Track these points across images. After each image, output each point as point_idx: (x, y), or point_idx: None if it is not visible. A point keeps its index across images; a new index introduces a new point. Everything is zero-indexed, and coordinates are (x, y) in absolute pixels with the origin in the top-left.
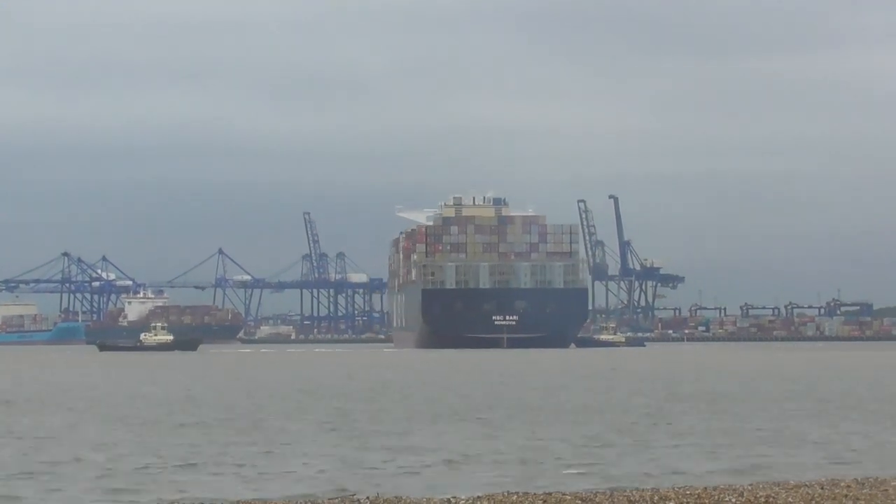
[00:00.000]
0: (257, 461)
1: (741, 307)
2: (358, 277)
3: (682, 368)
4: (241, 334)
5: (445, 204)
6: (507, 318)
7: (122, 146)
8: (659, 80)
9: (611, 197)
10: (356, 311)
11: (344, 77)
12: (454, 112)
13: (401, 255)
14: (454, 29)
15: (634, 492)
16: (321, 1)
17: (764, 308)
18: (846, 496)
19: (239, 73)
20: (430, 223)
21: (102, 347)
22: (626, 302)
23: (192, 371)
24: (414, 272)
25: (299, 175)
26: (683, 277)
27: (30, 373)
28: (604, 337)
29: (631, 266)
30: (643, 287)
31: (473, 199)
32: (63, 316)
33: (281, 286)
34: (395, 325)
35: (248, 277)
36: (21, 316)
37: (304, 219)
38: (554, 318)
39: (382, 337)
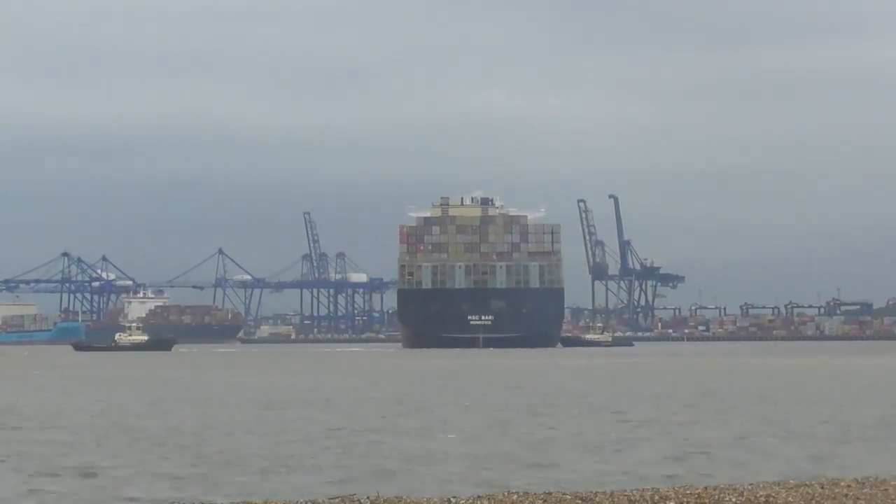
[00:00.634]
0: None
1: (741, 307)
2: (358, 277)
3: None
4: (241, 334)
5: (433, 204)
6: (483, 318)
7: (121, 143)
8: (662, 72)
9: (611, 197)
10: (356, 311)
11: (345, 68)
12: (456, 107)
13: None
14: (455, 21)
15: (635, 491)
16: None
17: (764, 307)
18: (846, 496)
19: (237, 67)
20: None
21: (77, 347)
22: (626, 301)
23: (148, 374)
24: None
25: (300, 175)
26: (683, 277)
27: None
28: (590, 336)
29: (631, 266)
30: (643, 287)
31: (462, 199)
32: (63, 316)
33: (281, 286)
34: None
35: (248, 277)
36: (21, 316)
37: (304, 219)
38: (530, 318)
39: (383, 337)
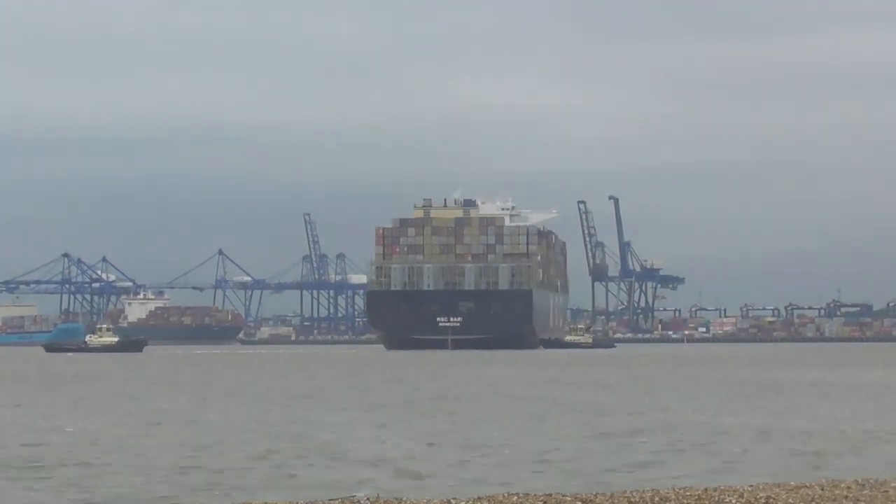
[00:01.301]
0: None
1: (741, 308)
2: (358, 278)
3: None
4: (241, 335)
5: (415, 206)
6: (452, 319)
7: (118, 139)
8: (659, 63)
9: (611, 198)
10: (356, 312)
11: (349, 60)
12: (459, 102)
13: None
14: (456, 11)
15: (634, 492)
16: None
17: (764, 309)
18: (846, 497)
19: (236, 59)
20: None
21: (49, 349)
22: (626, 303)
23: (94, 379)
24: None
25: (300, 175)
26: (684, 278)
27: None
28: (570, 338)
29: (631, 267)
30: (643, 288)
31: (445, 200)
32: (63, 317)
33: (281, 287)
34: None
35: (248, 278)
36: (21, 317)
37: (305, 220)
38: (499, 320)
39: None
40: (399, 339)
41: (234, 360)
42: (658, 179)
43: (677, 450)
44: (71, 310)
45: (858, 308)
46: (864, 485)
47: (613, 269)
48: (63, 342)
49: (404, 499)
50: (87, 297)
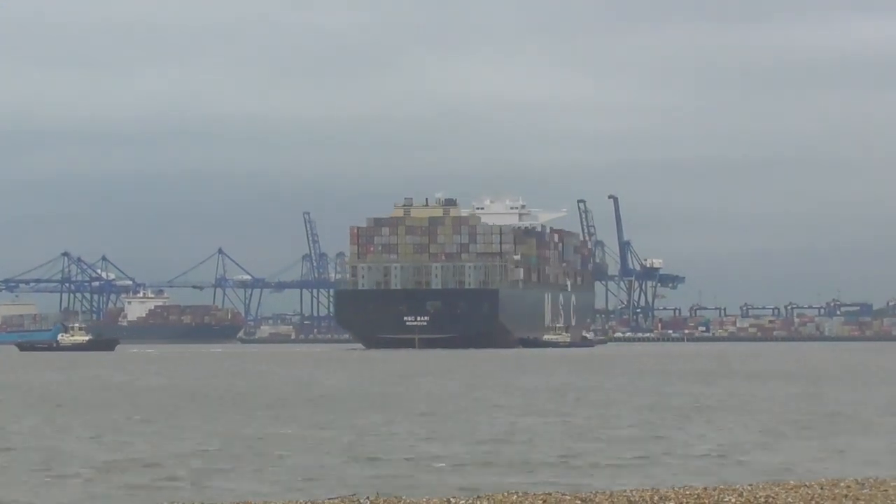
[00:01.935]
0: None
1: (741, 307)
2: None
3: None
4: (240, 334)
5: (395, 205)
6: (419, 319)
7: (116, 133)
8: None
9: (610, 197)
10: None
11: (344, 49)
12: (462, 90)
13: None
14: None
15: (634, 491)
16: None
17: (764, 308)
18: (846, 496)
19: (233, 51)
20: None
21: (22, 348)
22: (626, 302)
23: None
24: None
25: (300, 174)
26: (683, 278)
27: None
28: (548, 337)
29: (631, 266)
30: (643, 287)
31: (427, 199)
32: (63, 316)
33: (281, 286)
34: None
35: (248, 277)
36: (21, 316)
37: (304, 219)
38: (466, 319)
39: None
40: (366, 338)
41: (207, 360)
42: (657, 177)
43: None
44: (71, 308)
45: (858, 307)
46: (863, 484)
47: (613, 268)
48: (35, 341)
49: (404, 498)
50: (87, 295)
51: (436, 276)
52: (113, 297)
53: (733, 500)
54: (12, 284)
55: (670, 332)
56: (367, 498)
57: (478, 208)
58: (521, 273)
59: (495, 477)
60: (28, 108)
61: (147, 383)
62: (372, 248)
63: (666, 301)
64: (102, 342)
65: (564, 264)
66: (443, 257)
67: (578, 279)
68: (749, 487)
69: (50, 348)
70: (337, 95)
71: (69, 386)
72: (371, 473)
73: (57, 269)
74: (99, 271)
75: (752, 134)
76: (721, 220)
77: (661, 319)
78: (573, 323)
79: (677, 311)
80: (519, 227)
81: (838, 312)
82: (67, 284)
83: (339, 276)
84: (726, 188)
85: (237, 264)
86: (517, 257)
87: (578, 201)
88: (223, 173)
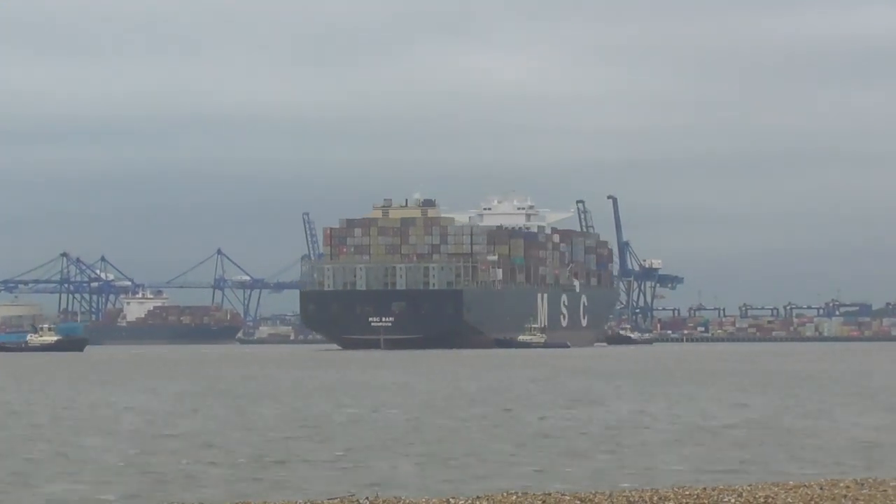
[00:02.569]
0: None
1: (740, 307)
2: None
3: None
4: (239, 335)
5: (374, 206)
6: (384, 319)
7: (114, 127)
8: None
9: (609, 197)
10: None
11: (348, 41)
12: (465, 80)
13: None
14: None
15: (634, 492)
16: None
17: (763, 308)
18: (845, 496)
19: (232, 43)
20: (469, 223)
21: None
22: (625, 303)
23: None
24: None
25: (300, 173)
26: (682, 278)
27: None
28: (522, 338)
29: (630, 266)
30: (642, 288)
31: (406, 200)
32: (62, 316)
33: (280, 287)
34: None
35: (247, 278)
36: (20, 316)
37: (304, 219)
38: (430, 320)
39: None
40: (331, 339)
41: (170, 362)
42: (656, 176)
43: None
44: (70, 309)
45: (857, 308)
46: (862, 484)
47: (613, 268)
48: (2, 342)
49: (404, 498)
50: (86, 296)
51: (401, 276)
52: (112, 297)
53: (732, 501)
54: (11, 285)
55: (669, 332)
56: (367, 498)
57: (485, 208)
58: (499, 273)
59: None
60: (25, 100)
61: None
62: (345, 250)
63: (665, 301)
64: (71, 342)
65: (572, 264)
66: (414, 258)
67: (593, 279)
68: (748, 488)
69: (18, 349)
70: (338, 91)
71: None
72: None
73: (56, 270)
74: (98, 272)
75: (752, 131)
76: (720, 220)
77: (660, 320)
78: (585, 323)
79: (676, 312)
80: (504, 228)
81: (837, 313)
82: (66, 285)
83: (305, 278)
84: (726, 188)
85: (236, 265)
86: (494, 258)
87: (577, 202)
88: (223, 173)
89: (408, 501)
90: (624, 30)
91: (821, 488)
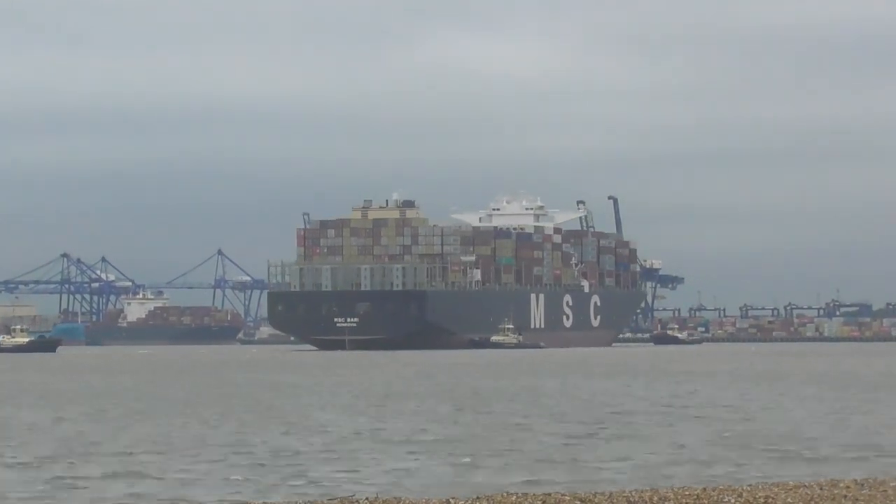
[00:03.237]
0: None
1: (741, 308)
2: None
3: None
4: (240, 335)
5: (353, 207)
6: (349, 320)
7: (117, 122)
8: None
9: (610, 198)
10: None
11: (342, 32)
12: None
13: None
14: None
15: (634, 492)
16: None
17: (763, 309)
18: (845, 497)
19: (232, 38)
20: (479, 223)
21: None
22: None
23: None
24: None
25: (300, 171)
26: (683, 278)
27: None
28: (496, 338)
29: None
30: (642, 288)
31: (387, 201)
32: (62, 317)
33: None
34: None
35: (248, 278)
36: (20, 317)
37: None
38: (393, 320)
39: None
40: (302, 339)
41: (141, 365)
42: (656, 176)
43: None
44: (70, 310)
45: (858, 308)
46: (862, 484)
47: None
48: None
49: (404, 499)
50: (87, 297)
51: (365, 278)
52: (112, 298)
53: (733, 501)
54: (12, 286)
55: (670, 332)
56: (367, 498)
57: (494, 209)
58: (477, 274)
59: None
60: (24, 92)
61: None
62: (318, 251)
63: (665, 302)
64: (44, 343)
65: (581, 265)
66: (386, 259)
67: (609, 279)
68: (748, 488)
69: None
70: (341, 87)
71: None
72: None
73: (56, 271)
74: (98, 272)
75: (752, 128)
76: (721, 220)
77: (660, 320)
78: (597, 324)
79: (677, 312)
80: (492, 228)
81: (838, 313)
82: (67, 286)
83: (274, 279)
84: (726, 188)
85: (237, 265)
86: (470, 258)
87: (579, 202)
88: (224, 173)
89: (408, 501)
90: (614, 19)
91: (821, 488)
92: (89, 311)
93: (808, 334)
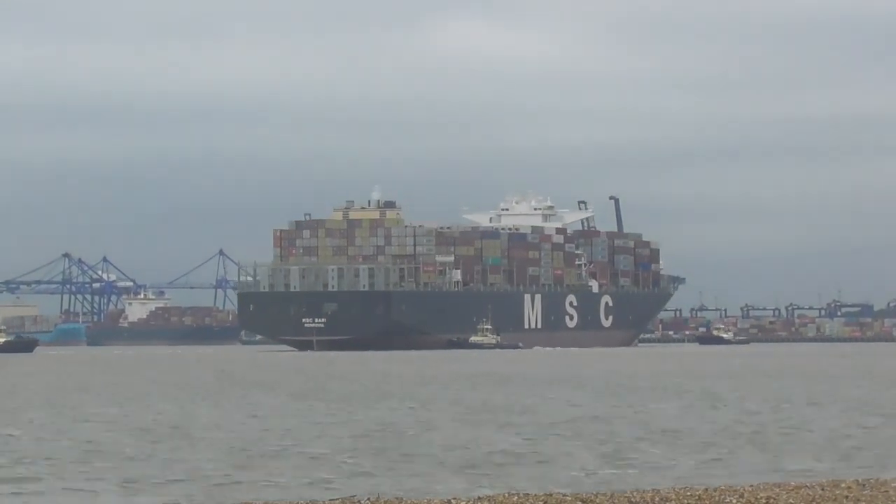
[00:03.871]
0: None
1: (742, 308)
2: None
3: None
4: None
5: (333, 208)
6: (316, 320)
7: (116, 116)
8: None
9: (611, 198)
10: None
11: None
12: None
13: None
14: None
15: (635, 492)
16: None
17: (765, 309)
18: (847, 497)
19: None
20: (489, 224)
21: None
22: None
23: None
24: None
25: (300, 172)
26: (684, 279)
27: None
28: (474, 339)
29: None
30: None
31: (368, 201)
32: (64, 317)
33: None
34: None
35: (250, 279)
36: (22, 317)
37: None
38: (359, 321)
39: None
40: (272, 340)
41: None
42: (656, 174)
43: None
44: (72, 310)
45: (859, 308)
46: (864, 485)
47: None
48: None
49: (404, 499)
50: (88, 297)
51: (332, 278)
52: (114, 298)
53: (734, 501)
54: (13, 286)
55: (671, 333)
56: (368, 499)
57: (503, 209)
58: (457, 274)
59: None
60: (23, 83)
61: None
62: (294, 251)
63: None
64: (21, 343)
65: (591, 265)
66: (360, 259)
67: (624, 280)
68: (750, 488)
69: None
70: (344, 83)
71: None
72: None
73: (58, 271)
74: (100, 272)
75: (752, 126)
76: (721, 220)
77: (661, 320)
78: (608, 324)
79: (678, 313)
80: (450, 229)
81: (839, 313)
82: (68, 286)
83: (243, 279)
84: (727, 187)
85: (238, 265)
86: (448, 258)
87: (579, 202)
88: (223, 172)
89: (408, 502)
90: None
91: (822, 489)
92: (90, 312)
93: (810, 335)
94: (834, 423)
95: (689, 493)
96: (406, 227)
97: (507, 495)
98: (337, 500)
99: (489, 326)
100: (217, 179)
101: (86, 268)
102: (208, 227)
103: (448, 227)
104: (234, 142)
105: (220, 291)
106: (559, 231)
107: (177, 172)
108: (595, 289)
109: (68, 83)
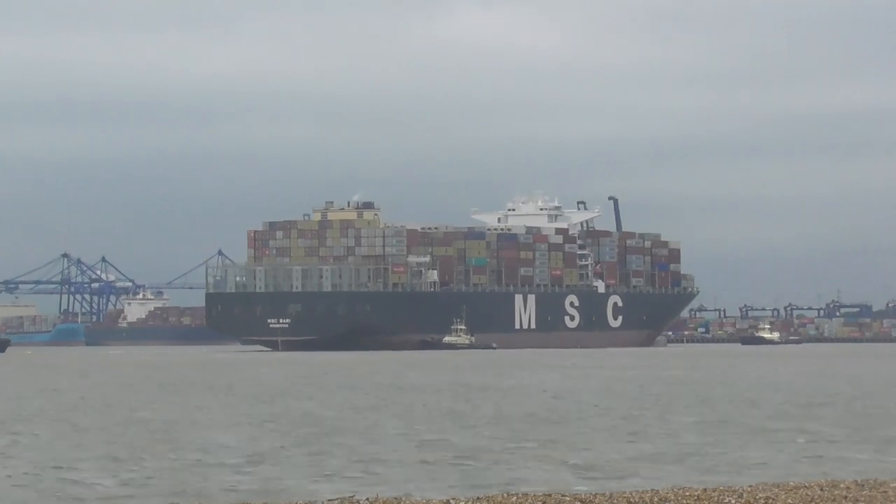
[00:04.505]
0: None
1: (740, 308)
2: None
3: None
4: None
5: (313, 209)
6: (281, 321)
7: (118, 112)
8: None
9: (610, 198)
10: None
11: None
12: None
13: None
14: None
15: (634, 493)
16: None
17: (763, 309)
18: (845, 498)
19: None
20: (498, 224)
21: None
22: None
23: None
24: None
25: (301, 170)
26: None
27: None
28: (448, 339)
29: None
30: None
31: (348, 202)
32: (62, 317)
33: None
34: None
35: (219, 279)
36: (20, 317)
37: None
38: (323, 322)
39: None
40: (240, 340)
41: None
42: (656, 174)
43: None
44: (70, 310)
45: (858, 309)
46: (863, 485)
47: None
48: None
49: (404, 499)
50: (87, 297)
51: (296, 279)
52: (113, 298)
53: (733, 501)
54: (12, 286)
55: (670, 333)
56: (367, 499)
57: (510, 209)
58: (433, 275)
59: None
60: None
61: None
62: (267, 252)
63: None
64: None
65: (597, 265)
66: (331, 260)
67: (636, 280)
68: (749, 489)
69: None
70: (347, 80)
71: None
72: None
73: (57, 271)
74: (98, 273)
75: (752, 124)
76: (721, 220)
77: None
78: (617, 325)
79: None
80: (424, 229)
81: (838, 314)
82: (67, 286)
83: (212, 279)
84: (727, 187)
85: (237, 266)
86: (423, 259)
87: (578, 202)
88: (223, 171)
89: (408, 501)
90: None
91: (821, 489)
92: (89, 312)
93: (809, 335)
94: None
95: (687, 494)
96: (379, 227)
97: (506, 495)
98: (336, 499)
99: (462, 327)
100: (217, 179)
101: (84, 268)
102: (208, 227)
103: (433, 228)
104: (234, 141)
105: None
106: (559, 231)
107: (176, 172)
108: (601, 289)
109: (68, 83)
